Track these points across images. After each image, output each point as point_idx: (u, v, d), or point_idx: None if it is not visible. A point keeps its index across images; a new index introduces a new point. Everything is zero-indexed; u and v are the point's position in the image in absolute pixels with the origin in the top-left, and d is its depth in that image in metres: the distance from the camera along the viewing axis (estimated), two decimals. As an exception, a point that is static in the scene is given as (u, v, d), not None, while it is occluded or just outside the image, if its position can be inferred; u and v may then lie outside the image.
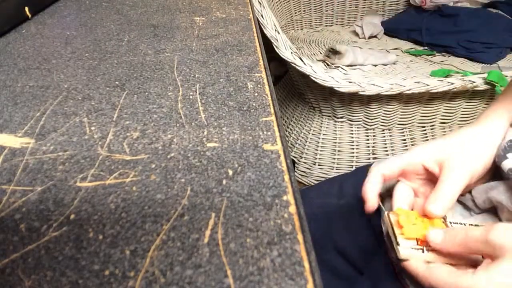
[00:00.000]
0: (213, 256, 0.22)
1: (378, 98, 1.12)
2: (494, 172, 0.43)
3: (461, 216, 0.45)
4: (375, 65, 1.32)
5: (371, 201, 0.40)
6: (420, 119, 1.21)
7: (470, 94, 1.14)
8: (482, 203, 0.43)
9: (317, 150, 1.28)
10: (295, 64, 1.04)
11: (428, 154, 0.42)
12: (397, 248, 0.36)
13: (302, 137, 1.31)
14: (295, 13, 1.68)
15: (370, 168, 0.44)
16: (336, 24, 1.77)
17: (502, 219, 0.42)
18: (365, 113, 1.18)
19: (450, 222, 0.39)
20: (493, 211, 0.44)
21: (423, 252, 0.36)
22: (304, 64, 1.04)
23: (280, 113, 0.87)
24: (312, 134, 1.29)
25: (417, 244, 0.36)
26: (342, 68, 1.28)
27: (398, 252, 0.36)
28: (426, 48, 1.48)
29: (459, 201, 0.46)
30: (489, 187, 0.42)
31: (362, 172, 0.57)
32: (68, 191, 0.26)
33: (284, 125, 1.41)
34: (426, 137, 1.25)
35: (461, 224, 0.40)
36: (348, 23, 1.77)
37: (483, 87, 1.06)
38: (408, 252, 0.36)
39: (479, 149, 0.42)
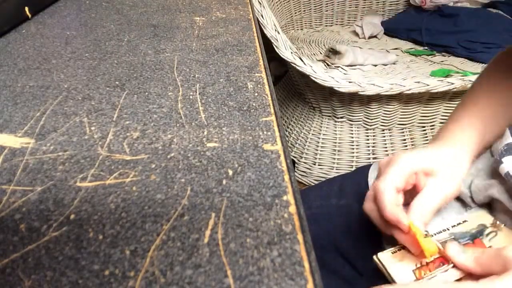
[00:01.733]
0: (213, 256, 0.22)
1: (378, 98, 1.12)
2: (494, 170, 0.44)
3: (459, 214, 0.45)
4: (375, 65, 1.32)
5: (404, 220, 0.39)
6: (420, 119, 1.21)
7: (470, 94, 1.14)
8: (482, 199, 0.43)
9: (317, 150, 1.28)
10: (295, 64, 1.04)
11: (422, 162, 0.42)
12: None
13: (302, 137, 1.31)
14: (295, 13, 1.68)
15: (376, 184, 0.41)
16: (336, 24, 1.77)
17: (497, 215, 0.42)
18: (365, 113, 1.18)
19: (432, 235, 0.40)
20: (486, 206, 0.44)
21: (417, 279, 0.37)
22: (304, 64, 1.04)
23: (280, 113, 0.87)
24: (312, 134, 1.29)
25: (414, 274, 0.37)
26: (342, 68, 1.28)
27: None
28: (426, 48, 1.48)
29: (457, 197, 0.46)
30: (490, 185, 0.42)
31: (362, 172, 0.57)
32: (68, 191, 0.26)
33: (284, 125, 1.41)
34: (426, 137, 1.25)
35: (444, 230, 0.40)
36: (348, 23, 1.77)
37: (483, 87, 1.06)
38: None
39: (456, 173, 0.43)
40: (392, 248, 0.40)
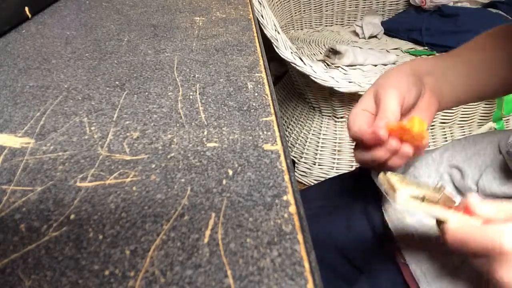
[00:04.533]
0: (213, 256, 0.22)
1: (378, 98, 1.12)
2: (501, 166, 0.44)
3: None
4: (375, 65, 1.32)
5: (377, 127, 0.36)
6: (420, 119, 1.21)
7: (470, 94, 1.14)
8: (489, 195, 0.43)
9: (317, 150, 1.28)
10: (295, 64, 1.04)
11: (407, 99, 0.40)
12: (395, 195, 0.32)
13: (302, 137, 1.31)
14: (295, 13, 1.68)
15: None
16: (336, 24, 1.77)
17: None
18: (365, 113, 1.18)
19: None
20: None
21: (421, 202, 0.32)
22: (304, 64, 1.04)
23: (280, 113, 0.87)
24: (312, 134, 1.29)
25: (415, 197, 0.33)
26: (342, 68, 1.28)
27: (395, 198, 0.32)
28: (426, 48, 1.48)
29: (460, 193, 0.46)
30: (497, 181, 0.42)
31: (362, 172, 0.57)
32: (68, 191, 0.26)
33: (284, 125, 1.40)
34: (426, 137, 1.24)
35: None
36: (348, 23, 1.77)
37: (483, 87, 1.06)
38: (406, 200, 0.32)
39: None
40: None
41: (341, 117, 1.23)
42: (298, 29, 1.71)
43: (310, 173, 1.30)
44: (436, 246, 0.44)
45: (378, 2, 1.76)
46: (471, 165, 0.46)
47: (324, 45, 1.54)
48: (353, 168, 1.24)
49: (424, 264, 0.43)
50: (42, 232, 0.23)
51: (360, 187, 0.56)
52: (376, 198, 0.53)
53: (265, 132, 0.31)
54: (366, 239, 0.52)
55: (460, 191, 0.46)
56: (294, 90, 1.36)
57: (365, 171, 0.56)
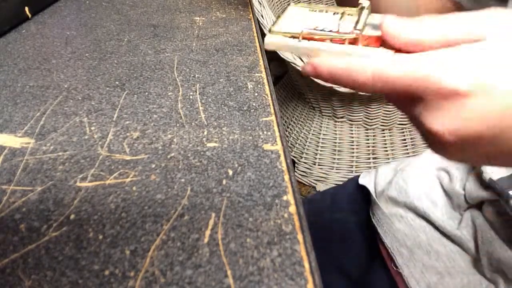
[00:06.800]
0: (213, 256, 0.22)
1: (378, 98, 1.12)
2: None
3: (450, 219, 0.45)
4: (375, 65, 1.32)
5: None
6: (420, 119, 1.21)
7: (470, 94, 1.14)
8: (475, 199, 0.43)
9: (317, 150, 1.28)
10: (295, 64, 1.04)
11: None
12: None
13: (302, 137, 1.31)
14: (295, 13, 1.68)
15: None
16: (336, 24, 1.76)
17: (487, 217, 0.42)
18: (365, 113, 1.18)
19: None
20: (478, 206, 0.44)
21: (299, 41, 0.25)
22: (304, 64, 1.04)
23: (280, 113, 0.87)
24: (312, 134, 1.29)
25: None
26: (342, 68, 1.27)
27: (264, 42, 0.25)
28: (426, 48, 1.48)
29: (448, 196, 0.46)
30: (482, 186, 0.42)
31: (352, 183, 0.56)
32: (68, 191, 0.26)
33: (284, 125, 1.41)
34: (426, 137, 1.24)
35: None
36: (348, 23, 1.76)
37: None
38: (276, 39, 0.25)
39: None
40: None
41: (341, 117, 1.23)
42: (298, 29, 1.71)
43: (310, 173, 1.30)
44: (427, 251, 0.44)
45: (378, 2, 1.76)
46: (459, 167, 0.45)
47: (324, 45, 1.54)
48: (353, 168, 1.24)
49: (417, 271, 0.43)
50: (42, 232, 0.23)
51: (354, 199, 0.55)
52: (369, 208, 0.53)
53: (265, 132, 0.31)
54: (360, 253, 0.51)
55: (449, 195, 0.46)
56: (294, 90, 1.36)
57: (355, 182, 0.55)
